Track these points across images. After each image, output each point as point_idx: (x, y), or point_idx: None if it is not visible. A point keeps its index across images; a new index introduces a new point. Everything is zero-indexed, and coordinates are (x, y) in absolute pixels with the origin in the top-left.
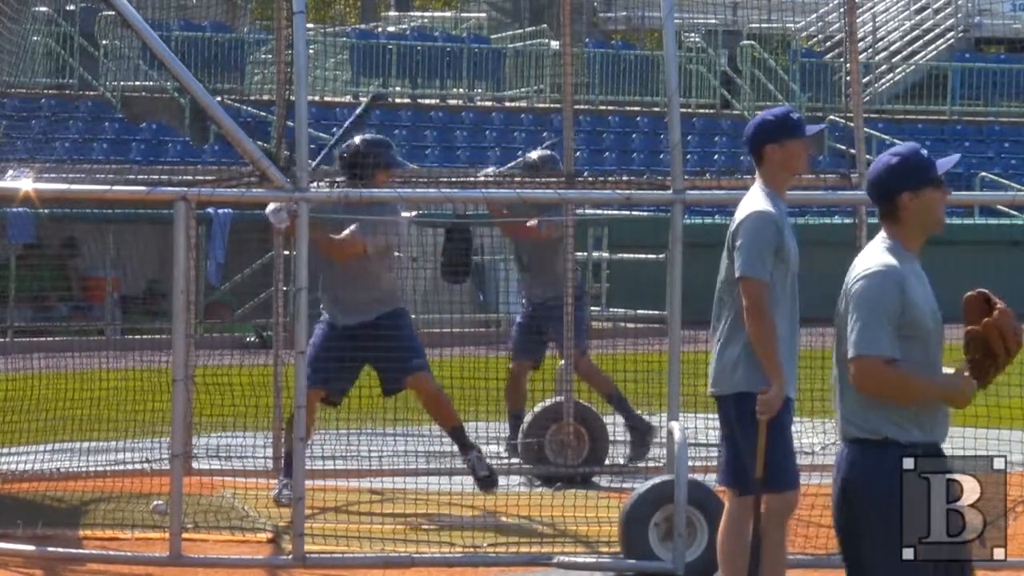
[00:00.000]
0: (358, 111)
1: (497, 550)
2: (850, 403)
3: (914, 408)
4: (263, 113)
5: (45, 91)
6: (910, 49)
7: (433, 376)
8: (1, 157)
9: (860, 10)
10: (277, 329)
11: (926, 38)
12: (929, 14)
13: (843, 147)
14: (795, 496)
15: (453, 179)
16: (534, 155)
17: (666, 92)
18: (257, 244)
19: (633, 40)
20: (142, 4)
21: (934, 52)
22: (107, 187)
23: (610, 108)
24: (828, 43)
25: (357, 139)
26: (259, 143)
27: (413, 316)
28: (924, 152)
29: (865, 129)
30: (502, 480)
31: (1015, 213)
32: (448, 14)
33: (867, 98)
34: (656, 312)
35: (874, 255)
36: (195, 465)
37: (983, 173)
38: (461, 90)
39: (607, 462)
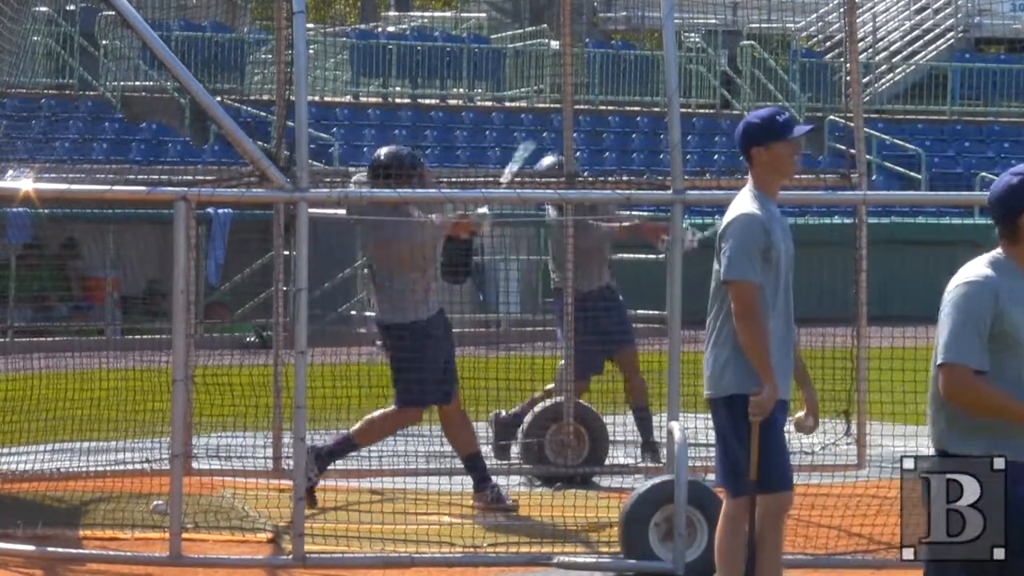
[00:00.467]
0: None
1: (497, 550)
2: None
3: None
4: (263, 113)
5: (45, 91)
6: (910, 49)
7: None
8: (1, 157)
9: (860, 10)
10: (277, 329)
11: (926, 38)
12: (929, 14)
13: (843, 147)
14: (789, 496)
15: (454, 179)
16: (546, 161)
17: (666, 92)
18: (257, 244)
19: (633, 40)
20: (142, 4)
21: (934, 52)
22: (107, 187)
23: (610, 108)
24: (828, 43)
25: (383, 151)
26: (259, 143)
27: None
28: None
29: (865, 129)
30: (502, 480)
31: None
32: (448, 14)
33: (867, 98)
34: (656, 312)
35: (976, 267)
36: (195, 465)
37: (983, 173)
38: (461, 90)
39: (607, 462)
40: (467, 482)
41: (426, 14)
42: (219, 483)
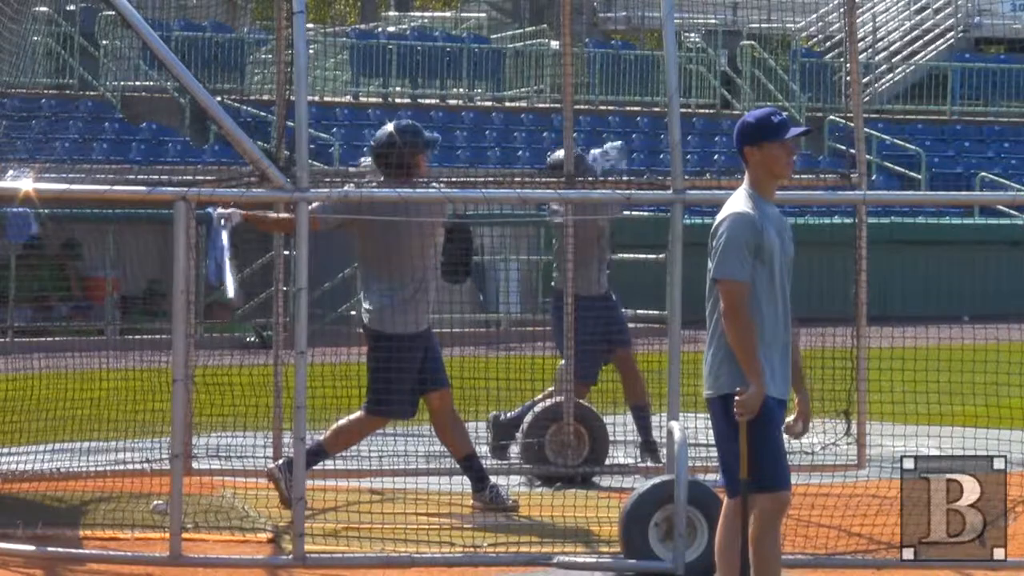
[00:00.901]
0: None
1: (497, 550)
2: None
3: None
4: (263, 113)
5: (45, 91)
6: (910, 49)
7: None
8: (1, 157)
9: (860, 10)
10: (277, 329)
11: (926, 38)
12: (929, 14)
13: (843, 147)
14: (787, 496)
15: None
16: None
17: (666, 92)
18: (257, 244)
19: (633, 40)
20: (142, 4)
21: (934, 52)
22: (107, 187)
23: (610, 108)
24: (828, 43)
25: (389, 127)
26: (259, 143)
27: None
28: None
29: (865, 129)
30: (502, 480)
31: (1015, 213)
32: (448, 14)
33: (867, 98)
34: (656, 312)
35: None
36: (195, 465)
37: (983, 173)
38: (461, 90)
39: (607, 462)
40: (467, 482)
41: (426, 14)
42: (219, 483)
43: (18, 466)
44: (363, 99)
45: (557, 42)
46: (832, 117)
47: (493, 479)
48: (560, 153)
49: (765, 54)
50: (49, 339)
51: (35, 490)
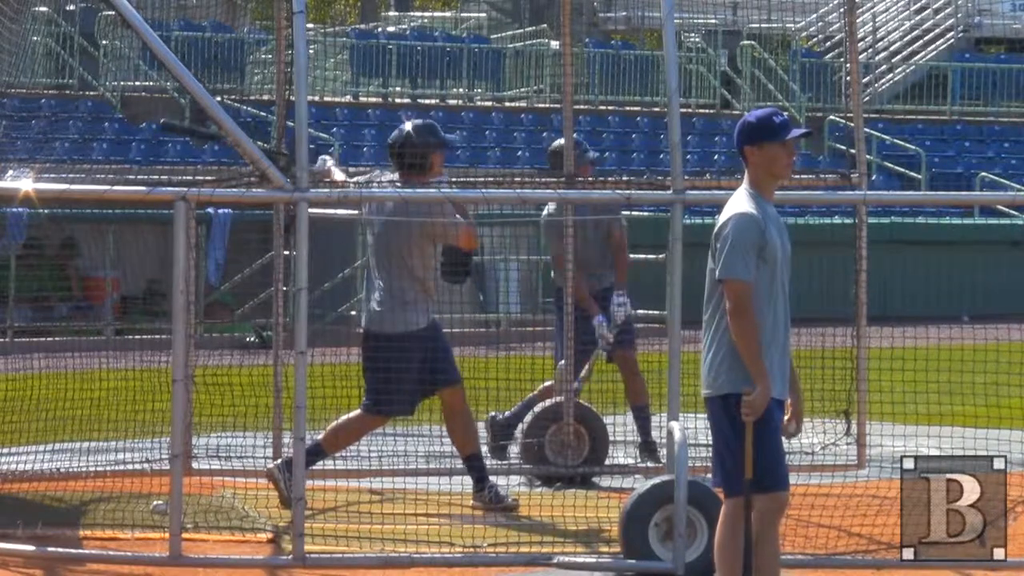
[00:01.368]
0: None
1: (497, 550)
2: None
3: None
4: (263, 113)
5: (45, 91)
6: (910, 49)
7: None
8: (1, 157)
9: (860, 10)
10: (277, 329)
11: (926, 38)
12: (929, 14)
13: (843, 147)
14: (785, 496)
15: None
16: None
17: (666, 92)
18: (257, 244)
19: (633, 40)
20: (142, 4)
21: (934, 52)
22: (107, 187)
23: (610, 108)
24: (828, 43)
25: (407, 125)
26: (259, 143)
27: None
28: None
29: (865, 129)
30: (502, 480)
31: (1015, 213)
32: (448, 14)
33: (867, 98)
34: (656, 312)
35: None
36: (195, 465)
37: (983, 173)
38: (461, 90)
39: (607, 462)
40: (467, 482)
41: (426, 14)
42: (219, 483)
43: (18, 466)
44: (363, 99)
45: (557, 42)
46: (832, 117)
47: (493, 479)
48: (561, 141)
49: (765, 54)
50: (49, 339)
51: (35, 490)
